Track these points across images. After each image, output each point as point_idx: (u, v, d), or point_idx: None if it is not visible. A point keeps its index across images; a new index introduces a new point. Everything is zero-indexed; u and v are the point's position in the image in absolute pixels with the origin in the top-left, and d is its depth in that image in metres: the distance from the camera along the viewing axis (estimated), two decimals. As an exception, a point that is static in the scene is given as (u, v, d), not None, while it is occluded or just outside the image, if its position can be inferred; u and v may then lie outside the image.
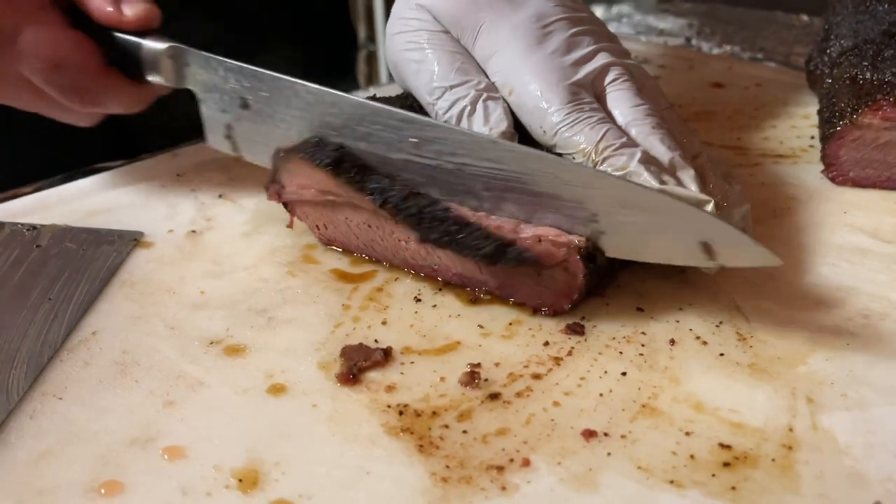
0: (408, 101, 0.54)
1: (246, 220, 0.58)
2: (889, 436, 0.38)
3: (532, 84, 0.50)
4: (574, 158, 0.48)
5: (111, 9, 0.53)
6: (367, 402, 0.41)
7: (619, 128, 0.49)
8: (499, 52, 0.51)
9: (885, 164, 0.60)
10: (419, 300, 0.49)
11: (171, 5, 0.56)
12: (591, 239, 0.45)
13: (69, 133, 0.61)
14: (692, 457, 0.37)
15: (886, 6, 0.69)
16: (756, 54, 0.93)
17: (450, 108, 0.50)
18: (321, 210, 0.52)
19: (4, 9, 0.52)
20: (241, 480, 0.36)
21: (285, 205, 0.53)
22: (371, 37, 1.99)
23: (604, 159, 0.47)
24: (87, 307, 0.48)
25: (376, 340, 0.45)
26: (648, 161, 0.47)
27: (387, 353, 0.44)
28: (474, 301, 0.48)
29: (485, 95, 0.50)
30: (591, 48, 0.52)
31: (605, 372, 0.43)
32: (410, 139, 0.47)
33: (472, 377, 0.42)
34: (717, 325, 0.46)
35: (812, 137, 0.69)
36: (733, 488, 0.36)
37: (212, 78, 0.53)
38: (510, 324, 0.47)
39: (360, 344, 0.45)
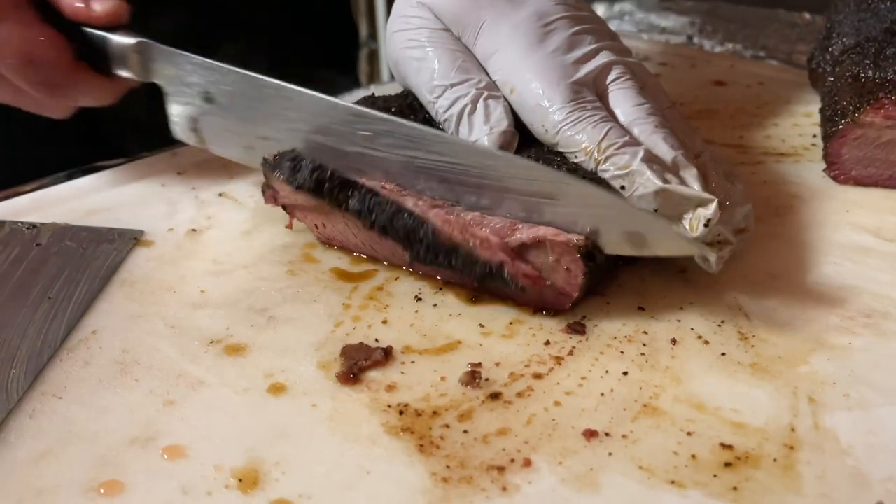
0: (408, 99, 0.54)
1: (246, 219, 0.58)
2: (891, 436, 0.38)
3: (533, 82, 0.49)
4: (576, 157, 0.48)
5: (81, 4, 0.54)
6: (368, 401, 0.41)
7: (622, 127, 0.49)
8: (500, 50, 0.51)
9: (888, 163, 0.60)
10: (419, 299, 0.49)
11: (172, 6, 0.56)
12: (590, 237, 0.45)
13: (65, 131, 0.61)
14: (694, 457, 0.37)
15: (889, 4, 0.69)
16: (758, 52, 0.93)
17: (450, 106, 0.50)
18: (318, 211, 0.52)
19: None
20: (241, 480, 0.36)
21: (283, 207, 0.53)
22: (373, 35, 1.99)
23: (606, 158, 0.47)
24: (86, 306, 0.48)
25: (377, 340, 0.45)
26: (651, 160, 0.46)
27: (387, 353, 0.44)
28: (475, 300, 0.48)
29: (485, 94, 0.50)
30: (592, 46, 0.52)
31: (607, 371, 0.42)
32: (362, 132, 0.48)
33: (473, 377, 0.42)
34: (719, 325, 0.46)
35: (814, 136, 0.69)
36: (735, 488, 0.36)
37: (177, 73, 0.54)
38: (511, 323, 0.46)
39: (361, 343, 0.45)
